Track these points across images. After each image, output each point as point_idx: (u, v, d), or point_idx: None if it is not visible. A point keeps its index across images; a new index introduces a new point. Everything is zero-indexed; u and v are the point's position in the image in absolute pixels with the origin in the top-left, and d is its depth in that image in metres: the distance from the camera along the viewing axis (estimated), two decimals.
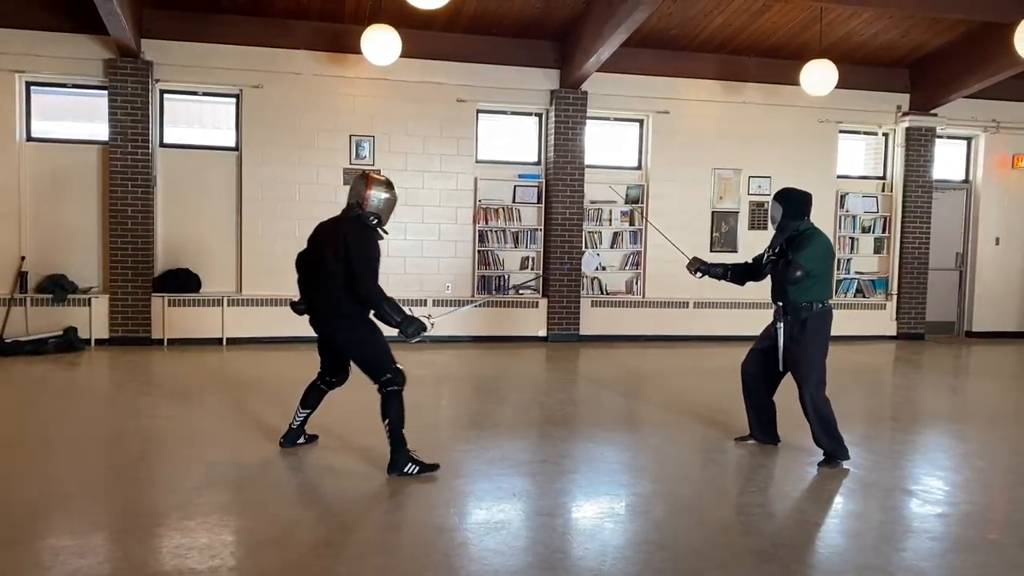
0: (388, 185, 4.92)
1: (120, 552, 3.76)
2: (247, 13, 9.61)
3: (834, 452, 5.31)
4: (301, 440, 5.33)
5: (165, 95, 9.87)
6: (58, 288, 9.31)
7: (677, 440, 5.94)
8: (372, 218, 4.83)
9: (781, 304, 5.32)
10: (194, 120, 10.43)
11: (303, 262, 5.13)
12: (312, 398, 5.25)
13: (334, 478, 4.82)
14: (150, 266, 9.63)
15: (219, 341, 9.79)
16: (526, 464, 5.21)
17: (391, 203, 4.91)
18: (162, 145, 9.86)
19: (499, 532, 4.05)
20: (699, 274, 5.79)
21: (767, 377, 5.54)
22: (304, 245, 5.16)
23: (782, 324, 5.30)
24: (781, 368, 5.40)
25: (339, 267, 4.69)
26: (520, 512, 4.39)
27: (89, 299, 9.46)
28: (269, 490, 4.64)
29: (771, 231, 5.57)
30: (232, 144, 10.06)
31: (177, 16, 9.50)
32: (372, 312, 4.73)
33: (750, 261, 5.75)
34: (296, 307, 5.17)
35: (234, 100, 9.98)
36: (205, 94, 10.01)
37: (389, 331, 4.74)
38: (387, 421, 4.74)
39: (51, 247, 9.52)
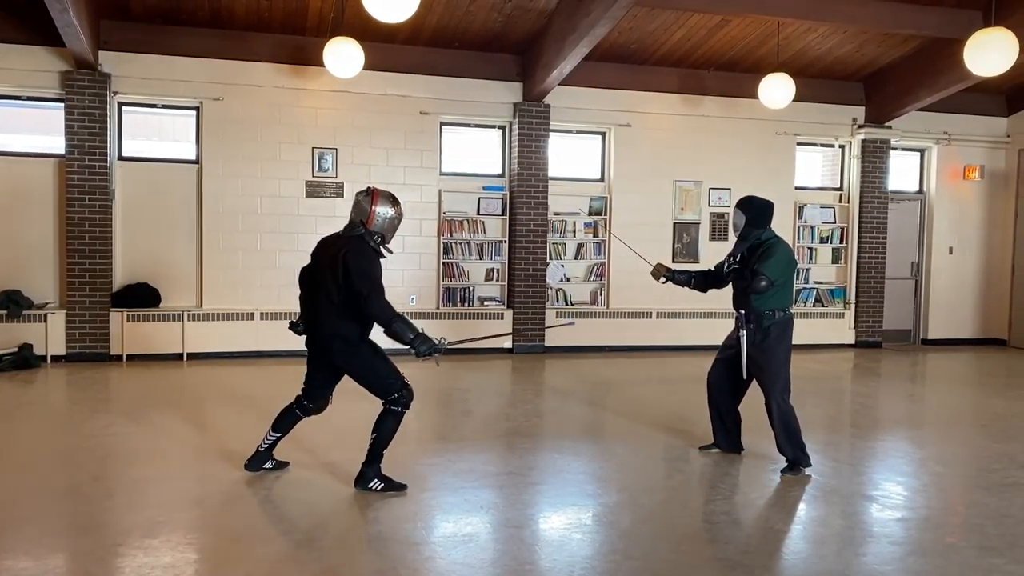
0: (394, 201, 4.74)
1: (80, 573, 3.68)
2: (207, 25, 9.52)
3: (797, 459, 5.39)
4: (268, 465, 5.10)
5: (124, 107, 9.73)
6: (12, 304, 9.10)
7: (642, 450, 5.98)
8: (376, 238, 4.66)
9: (744, 312, 5.37)
10: (153, 133, 10.29)
11: (305, 279, 4.88)
12: (285, 422, 5.01)
13: (299, 492, 4.78)
14: (108, 281, 9.46)
15: (180, 356, 9.65)
16: (493, 476, 5.21)
17: (396, 220, 4.75)
18: (121, 158, 9.71)
19: (466, 545, 4.05)
20: (663, 279, 5.83)
21: (732, 386, 5.60)
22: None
23: (745, 332, 5.35)
24: (745, 376, 5.46)
25: (338, 290, 4.55)
26: (487, 525, 4.39)
27: (45, 315, 9.26)
28: (232, 506, 4.58)
29: (732, 241, 5.65)
30: (192, 157, 9.95)
31: (136, 28, 9.38)
32: (383, 331, 4.55)
33: (712, 268, 5.83)
34: (295, 327, 4.91)
35: (194, 113, 9.88)
36: (165, 107, 9.89)
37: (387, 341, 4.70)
38: (375, 435, 4.67)
39: (6, 262, 9.31)
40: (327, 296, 4.61)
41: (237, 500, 4.69)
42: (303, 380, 4.97)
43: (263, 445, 5.03)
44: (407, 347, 4.54)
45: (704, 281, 5.81)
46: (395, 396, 4.67)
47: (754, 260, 5.31)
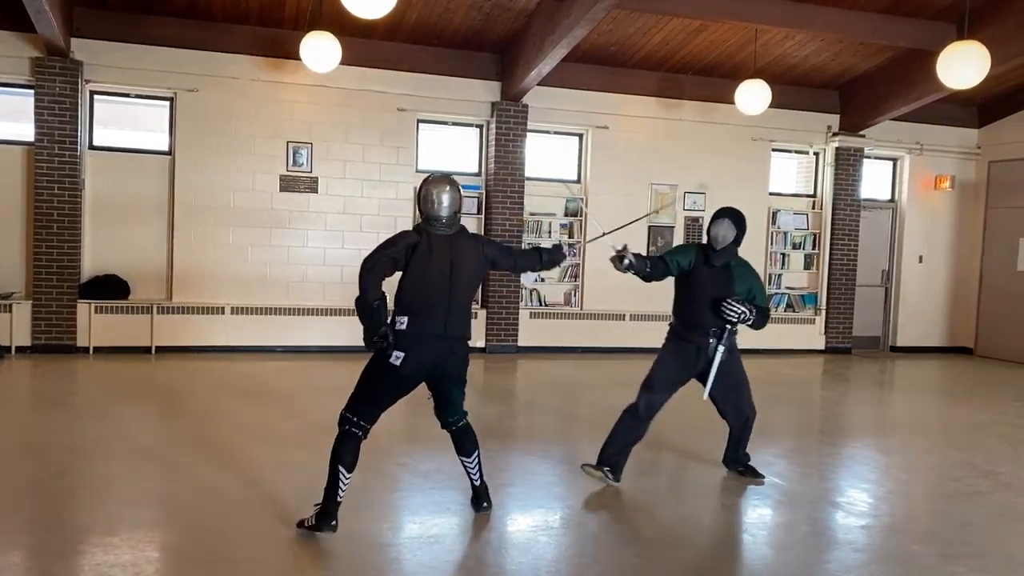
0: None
1: (38, 570, 3.62)
2: (183, 15, 9.41)
3: (747, 460, 5.45)
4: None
5: (96, 96, 9.59)
6: None
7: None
8: None
9: (718, 329, 5.03)
10: (126, 123, 10.14)
11: (433, 278, 4.08)
12: (352, 455, 4.04)
13: (264, 492, 4.73)
14: (76, 272, 9.32)
15: (148, 350, 9.53)
16: (461, 478, 5.17)
17: None
18: (92, 147, 9.57)
19: (432, 547, 4.03)
20: (628, 268, 4.88)
21: (659, 408, 5.16)
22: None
23: (723, 347, 5.04)
24: (709, 394, 5.13)
25: (473, 287, 4.31)
26: (454, 526, 4.38)
27: (10, 304, 9.11)
28: (196, 505, 4.52)
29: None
30: (165, 148, 9.82)
31: (110, 16, 9.25)
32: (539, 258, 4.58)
33: (657, 257, 5.17)
34: (387, 337, 4.01)
35: (168, 103, 9.75)
36: (138, 96, 9.75)
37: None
38: (477, 452, 4.45)
39: None
40: (465, 298, 4.22)
41: (203, 500, 4.63)
42: (371, 399, 4.08)
43: (340, 496, 4.02)
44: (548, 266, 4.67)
45: (654, 274, 5.06)
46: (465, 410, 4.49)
47: (746, 287, 5.06)
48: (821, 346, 12.22)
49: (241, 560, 3.78)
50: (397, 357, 4.01)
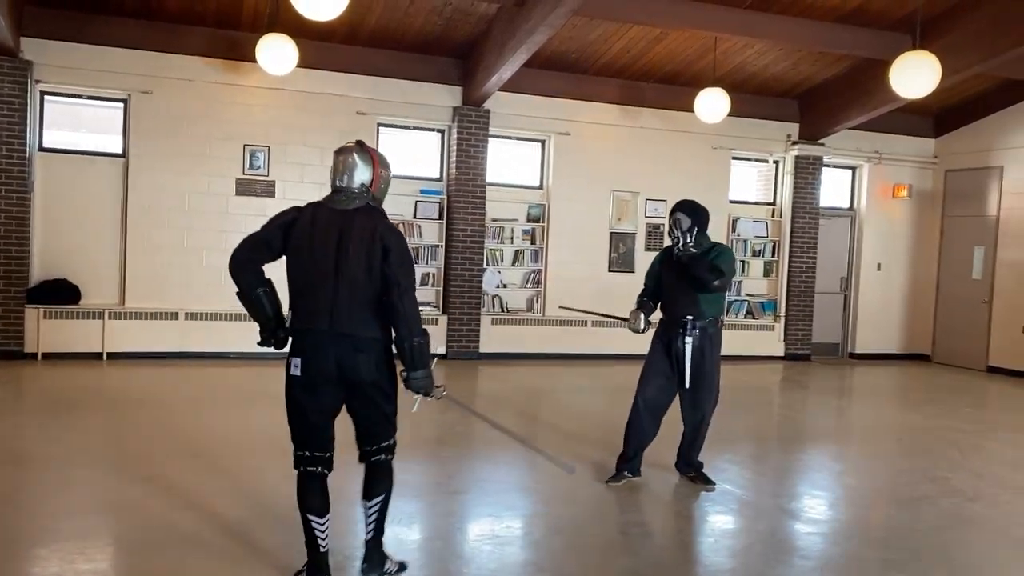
0: (387, 162, 3.65)
1: None
2: (137, 16, 9.23)
3: (700, 465, 5.43)
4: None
5: (46, 97, 9.38)
6: None
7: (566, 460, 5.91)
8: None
9: (691, 319, 5.16)
10: (78, 124, 9.94)
11: (301, 263, 3.42)
12: (316, 497, 3.48)
13: (215, 505, 4.61)
14: (24, 276, 9.09)
15: (99, 356, 9.32)
16: (413, 486, 5.10)
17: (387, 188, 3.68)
18: (41, 149, 9.36)
19: None
20: (647, 324, 5.35)
21: (665, 405, 5.35)
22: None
23: (691, 339, 5.16)
24: (688, 385, 5.22)
25: (370, 282, 3.36)
26: (403, 535, 4.29)
27: None
28: (149, 518, 4.38)
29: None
30: (119, 151, 9.63)
31: (60, 15, 9.05)
32: (399, 343, 3.42)
33: (645, 287, 5.52)
34: (273, 334, 3.48)
35: (122, 105, 9.57)
36: (90, 98, 9.56)
37: None
38: (380, 498, 3.55)
39: None
40: (353, 289, 3.35)
41: (156, 511, 4.49)
42: (296, 425, 3.47)
43: (321, 543, 3.47)
44: (409, 376, 3.44)
45: (654, 299, 5.50)
46: (394, 440, 3.61)
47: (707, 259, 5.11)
48: (781, 352, 12.30)
49: (196, 574, 3.67)
50: (296, 365, 3.38)
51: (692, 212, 5.19)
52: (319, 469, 3.46)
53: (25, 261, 9.10)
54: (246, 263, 3.44)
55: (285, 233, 3.43)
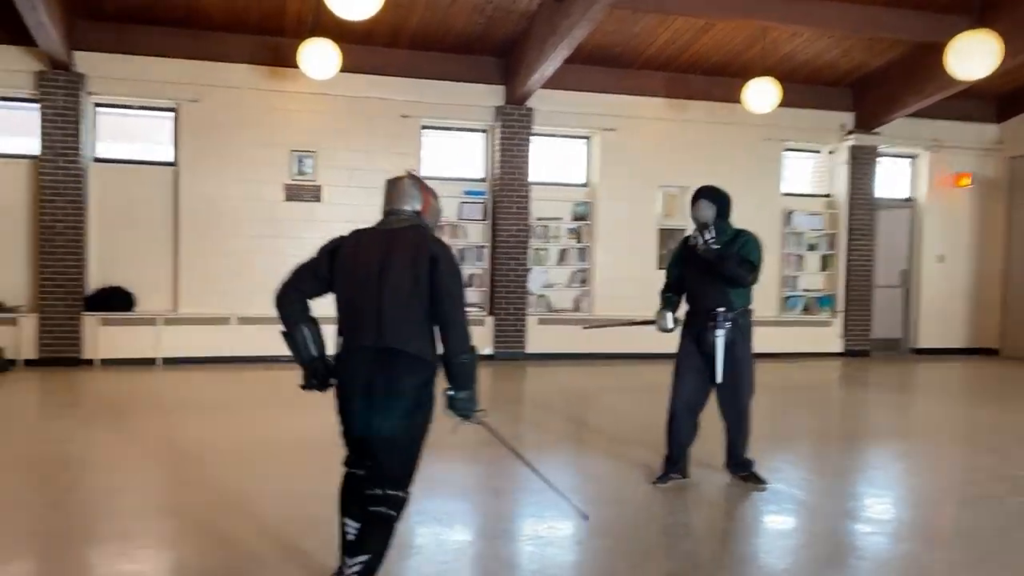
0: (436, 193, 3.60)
1: None
2: (183, 25, 9.40)
3: (751, 464, 5.22)
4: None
5: (99, 108, 9.61)
6: None
7: (611, 461, 5.80)
8: None
9: (722, 310, 4.97)
10: (130, 134, 10.14)
11: (351, 288, 3.27)
12: (358, 499, 3.27)
13: (260, 507, 4.60)
14: (81, 284, 9.32)
15: (153, 361, 9.49)
16: (456, 486, 5.04)
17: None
18: (96, 160, 9.58)
19: (415, 556, 3.88)
20: (671, 318, 5.28)
21: (702, 402, 5.17)
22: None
23: (722, 332, 4.97)
24: (719, 380, 5.04)
25: (418, 290, 3.20)
26: (443, 535, 4.22)
27: (16, 318, 9.11)
28: (195, 521, 4.40)
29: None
30: (169, 159, 9.81)
31: (111, 28, 9.26)
32: (449, 366, 3.26)
33: (669, 281, 5.38)
34: (320, 376, 3.31)
35: (171, 114, 9.74)
36: (141, 108, 9.77)
37: None
38: (365, 559, 3.11)
39: None
40: (398, 301, 3.19)
41: (214, 510, 4.52)
42: (343, 429, 3.31)
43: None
44: (454, 396, 3.28)
45: (678, 293, 5.38)
46: (407, 492, 3.23)
47: (734, 251, 4.91)
48: (839, 349, 11.92)
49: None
50: (335, 383, 3.30)
51: (716, 198, 4.99)
52: (362, 472, 3.31)
53: (81, 270, 9.32)
54: (291, 292, 3.33)
55: (331, 256, 3.31)
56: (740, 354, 5.04)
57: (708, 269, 4.98)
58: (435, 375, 3.25)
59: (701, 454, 5.73)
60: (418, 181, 3.53)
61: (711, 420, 5.35)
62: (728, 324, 4.97)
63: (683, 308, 5.33)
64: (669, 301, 5.33)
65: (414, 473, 3.24)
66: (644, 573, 3.81)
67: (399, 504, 3.16)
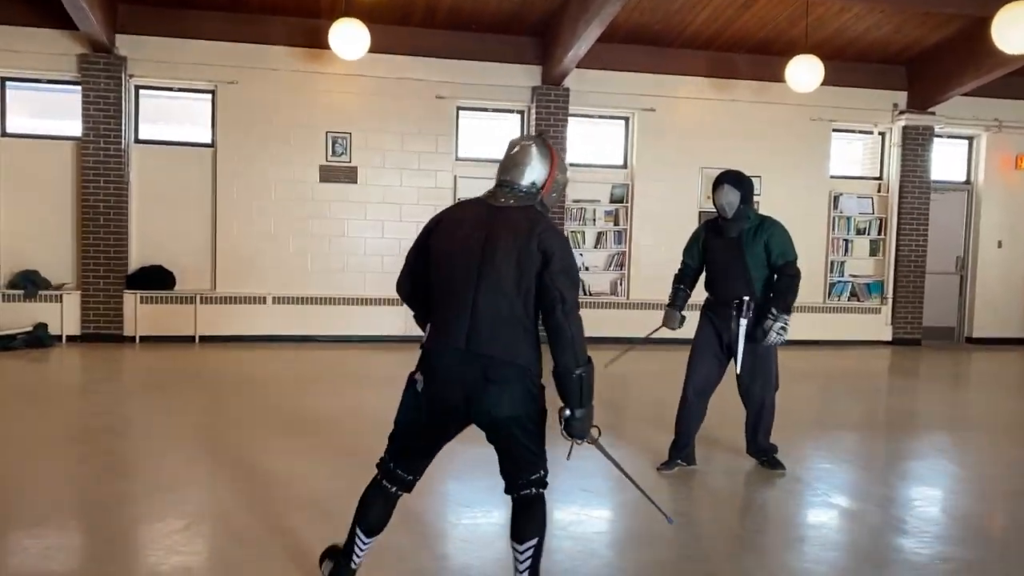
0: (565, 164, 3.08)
1: (92, 552, 3.60)
2: (222, 8, 9.49)
3: (774, 451, 5.07)
4: None
5: (140, 91, 9.78)
6: (29, 284, 9.24)
7: (632, 446, 5.69)
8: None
9: (747, 299, 4.83)
10: (170, 116, 10.31)
11: (447, 273, 2.86)
12: (377, 513, 3.00)
13: (295, 483, 4.63)
14: (123, 263, 9.53)
15: (192, 339, 9.67)
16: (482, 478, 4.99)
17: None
18: (137, 141, 9.76)
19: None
20: (680, 317, 5.27)
21: (712, 387, 5.07)
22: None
23: (745, 321, 4.84)
24: (743, 371, 4.93)
25: (522, 288, 2.77)
26: (480, 518, 4.18)
27: (61, 295, 9.38)
28: (246, 491, 4.45)
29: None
30: (208, 140, 9.94)
31: (151, 11, 9.41)
32: (563, 371, 2.80)
33: (683, 269, 5.31)
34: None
35: (210, 96, 9.87)
36: (180, 90, 9.91)
37: None
38: (534, 542, 2.90)
39: (23, 243, 9.43)
40: (497, 300, 2.77)
41: (251, 485, 4.57)
42: (396, 437, 2.98)
43: (355, 558, 3.02)
44: (571, 417, 2.85)
45: (692, 285, 5.32)
46: (545, 470, 2.97)
47: (768, 245, 4.79)
48: (888, 337, 11.52)
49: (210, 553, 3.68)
50: (419, 382, 2.88)
51: (739, 183, 4.81)
52: (394, 489, 2.97)
53: (124, 249, 9.53)
54: (412, 293, 3.03)
55: (428, 236, 2.92)
56: (763, 347, 4.87)
57: (732, 258, 4.86)
58: (535, 382, 2.84)
59: (723, 436, 5.59)
60: (548, 149, 2.94)
61: (725, 407, 5.20)
62: (752, 314, 4.83)
63: (699, 295, 5.20)
64: (680, 297, 5.26)
65: (543, 450, 2.93)
66: (632, 560, 3.71)
67: (543, 481, 2.93)
